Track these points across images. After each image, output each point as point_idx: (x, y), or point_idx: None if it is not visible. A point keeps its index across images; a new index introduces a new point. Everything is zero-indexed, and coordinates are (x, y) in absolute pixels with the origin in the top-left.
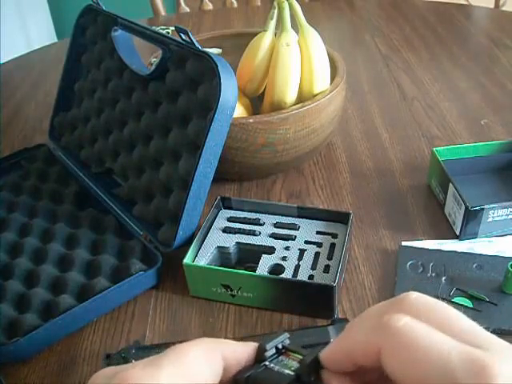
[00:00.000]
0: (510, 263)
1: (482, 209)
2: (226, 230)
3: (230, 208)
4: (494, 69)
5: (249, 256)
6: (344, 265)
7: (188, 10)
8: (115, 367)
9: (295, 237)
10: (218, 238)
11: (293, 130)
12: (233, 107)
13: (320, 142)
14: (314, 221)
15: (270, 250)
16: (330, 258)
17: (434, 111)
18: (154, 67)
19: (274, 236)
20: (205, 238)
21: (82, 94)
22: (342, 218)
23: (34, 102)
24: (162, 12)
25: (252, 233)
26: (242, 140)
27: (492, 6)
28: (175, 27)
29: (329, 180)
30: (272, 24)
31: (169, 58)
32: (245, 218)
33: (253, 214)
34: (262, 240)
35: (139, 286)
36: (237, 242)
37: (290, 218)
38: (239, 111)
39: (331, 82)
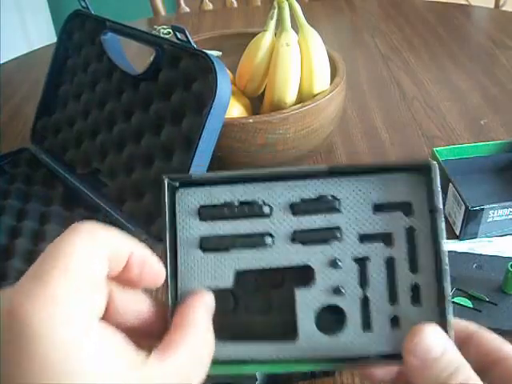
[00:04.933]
0: (510, 263)
1: (482, 209)
2: (205, 247)
3: (194, 185)
4: (494, 69)
5: (262, 298)
6: (447, 278)
7: (188, 10)
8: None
9: (340, 231)
10: (200, 268)
11: (293, 130)
12: (227, 104)
13: (320, 142)
14: (361, 186)
15: (306, 277)
16: (413, 263)
17: (434, 111)
18: (146, 67)
19: (300, 239)
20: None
21: (67, 98)
22: (411, 171)
23: (34, 102)
24: (162, 12)
25: (253, 239)
26: (241, 140)
27: (492, 5)
28: (172, 26)
29: None
30: (272, 24)
31: (162, 57)
32: (229, 204)
33: (239, 189)
34: (280, 254)
35: None
36: (238, 273)
37: (316, 188)
38: (239, 111)
39: (331, 82)
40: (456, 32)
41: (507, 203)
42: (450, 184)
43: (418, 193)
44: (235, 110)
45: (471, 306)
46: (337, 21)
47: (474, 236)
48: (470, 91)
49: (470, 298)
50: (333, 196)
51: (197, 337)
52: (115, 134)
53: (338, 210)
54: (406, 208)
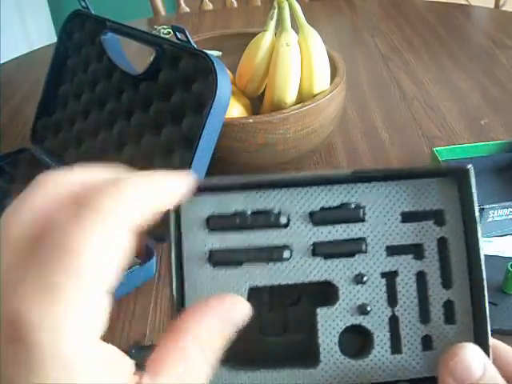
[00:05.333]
0: (509, 263)
1: (482, 209)
2: (215, 261)
3: (201, 192)
4: (494, 69)
5: (277, 317)
6: (485, 293)
7: (188, 10)
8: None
9: (365, 242)
10: (209, 285)
11: (293, 130)
12: (227, 104)
13: (320, 141)
14: (388, 193)
15: (327, 294)
16: (446, 277)
17: (434, 111)
18: (146, 67)
19: (321, 252)
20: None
21: (67, 98)
22: (443, 176)
23: (34, 102)
24: (162, 12)
25: (268, 253)
26: (241, 140)
27: (492, 5)
28: (172, 26)
29: None
30: (272, 24)
31: (162, 57)
32: (241, 213)
33: (252, 196)
34: (298, 269)
35: (135, 281)
36: (251, 290)
37: (337, 195)
38: (239, 111)
39: (331, 82)
40: (456, 32)
41: (507, 203)
42: None
43: (450, 200)
44: (235, 110)
45: None
46: (337, 21)
47: None
48: (469, 91)
49: None
50: (356, 204)
51: (189, 355)
52: (115, 134)
53: (362, 219)
54: (437, 217)
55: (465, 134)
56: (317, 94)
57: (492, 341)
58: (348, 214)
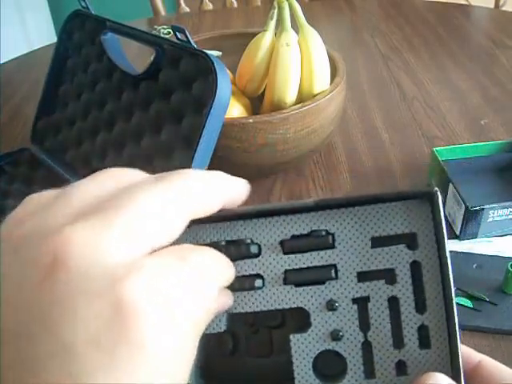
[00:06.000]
0: (509, 263)
1: (482, 209)
2: None
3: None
4: (494, 69)
5: (262, 339)
6: (455, 316)
7: (188, 10)
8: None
9: (335, 269)
10: None
11: (293, 130)
12: (227, 104)
13: (320, 142)
14: (357, 218)
15: (300, 321)
16: (420, 302)
17: (434, 111)
18: (146, 67)
19: (293, 280)
20: None
21: (67, 98)
22: (412, 200)
23: (34, 102)
24: (162, 12)
25: (241, 282)
26: (241, 140)
27: (492, 5)
28: (172, 26)
29: (329, 180)
30: (272, 24)
31: (162, 57)
32: (215, 243)
33: (225, 227)
34: (271, 297)
35: None
36: (229, 316)
37: (307, 223)
38: (239, 111)
39: (331, 82)
40: (456, 32)
41: (507, 203)
42: (450, 184)
43: (423, 222)
44: (235, 110)
45: (471, 306)
46: (337, 21)
47: (473, 236)
48: (470, 91)
49: (470, 298)
50: (326, 230)
51: None
52: (115, 134)
53: (332, 246)
54: (409, 240)
55: (465, 134)
56: (317, 94)
57: (480, 356)
58: (318, 242)
